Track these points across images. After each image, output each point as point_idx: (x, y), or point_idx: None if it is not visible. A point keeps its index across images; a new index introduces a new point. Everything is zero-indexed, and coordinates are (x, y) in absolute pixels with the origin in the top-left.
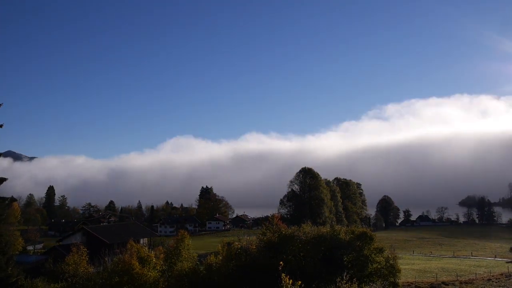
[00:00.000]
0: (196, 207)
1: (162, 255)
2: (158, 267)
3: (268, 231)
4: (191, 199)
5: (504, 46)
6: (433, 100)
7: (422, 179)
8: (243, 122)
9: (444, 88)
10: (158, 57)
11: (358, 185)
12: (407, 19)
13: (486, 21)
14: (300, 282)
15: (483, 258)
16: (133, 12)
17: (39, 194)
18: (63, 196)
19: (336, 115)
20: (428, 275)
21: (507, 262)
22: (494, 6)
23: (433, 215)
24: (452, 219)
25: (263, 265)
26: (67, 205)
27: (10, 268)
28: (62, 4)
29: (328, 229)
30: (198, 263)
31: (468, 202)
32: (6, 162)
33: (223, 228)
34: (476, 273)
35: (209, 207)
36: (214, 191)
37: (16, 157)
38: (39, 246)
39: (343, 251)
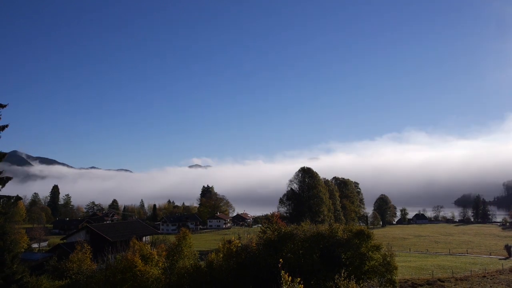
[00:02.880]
0: (198, 205)
1: (164, 253)
2: (160, 265)
3: (268, 229)
4: (192, 198)
5: None
6: None
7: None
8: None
9: None
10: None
11: (356, 184)
12: None
13: None
14: (299, 279)
15: (478, 256)
16: None
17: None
18: (67, 195)
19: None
20: (424, 272)
21: (501, 259)
22: None
23: (429, 214)
24: (448, 218)
25: (263, 262)
26: (71, 203)
27: (15, 266)
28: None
29: (327, 227)
30: (199, 260)
31: (463, 201)
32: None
33: (224, 226)
34: (471, 270)
35: (210, 205)
36: (216, 189)
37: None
38: (44, 244)
39: (341, 249)
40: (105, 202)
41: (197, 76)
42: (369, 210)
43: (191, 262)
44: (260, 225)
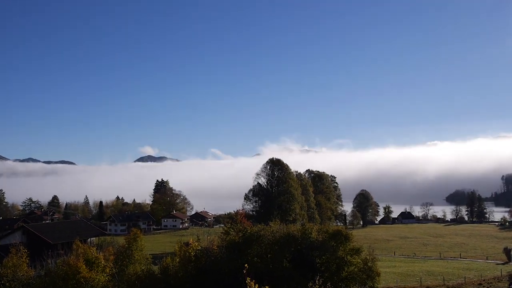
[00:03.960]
0: (151, 202)
1: (112, 257)
2: (108, 270)
3: (231, 229)
4: (144, 194)
5: None
6: None
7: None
8: None
9: None
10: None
11: (333, 178)
12: None
13: None
14: (267, 287)
15: (473, 260)
16: None
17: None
18: (0, 190)
19: None
20: (411, 279)
21: (498, 264)
22: None
23: (417, 212)
24: (438, 217)
25: (225, 267)
26: (5, 200)
27: None
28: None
29: (299, 228)
30: (153, 265)
31: (456, 198)
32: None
33: (181, 227)
34: (465, 277)
35: (165, 202)
36: (171, 185)
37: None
38: None
39: (316, 252)
40: (44, 198)
41: (146, 61)
42: (347, 207)
43: (143, 268)
44: (223, 225)
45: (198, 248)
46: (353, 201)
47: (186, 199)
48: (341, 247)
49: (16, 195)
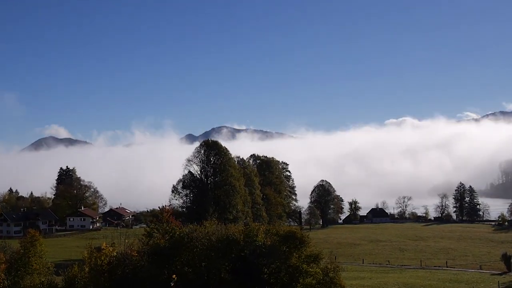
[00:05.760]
0: (53, 196)
1: (3, 265)
2: None
3: (155, 231)
4: (45, 186)
5: None
6: None
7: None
8: None
9: None
10: None
11: (285, 165)
12: None
13: None
14: None
15: (463, 270)
16: None
17: None
18: None
19: None
20: None
21: (494, 275)
22: None
23: (392, 209)
24: (419, 214)
25: (148, 278)
26: None
27: None
28: None
29: (241, 229)
30: (55, 276)
31: (441, 190)
32: None
33: (91, 227)
34: None
35: (71, 196)
36: (78, 174)
37: None
38: None
39: (263, 259)
40: None
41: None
42: (303, 202)
43: (43, 279)
44: (145, 225)
45: (113, 254)
46: (311, 195)
47: (98, 192)
48: (295, 253)
49: None
